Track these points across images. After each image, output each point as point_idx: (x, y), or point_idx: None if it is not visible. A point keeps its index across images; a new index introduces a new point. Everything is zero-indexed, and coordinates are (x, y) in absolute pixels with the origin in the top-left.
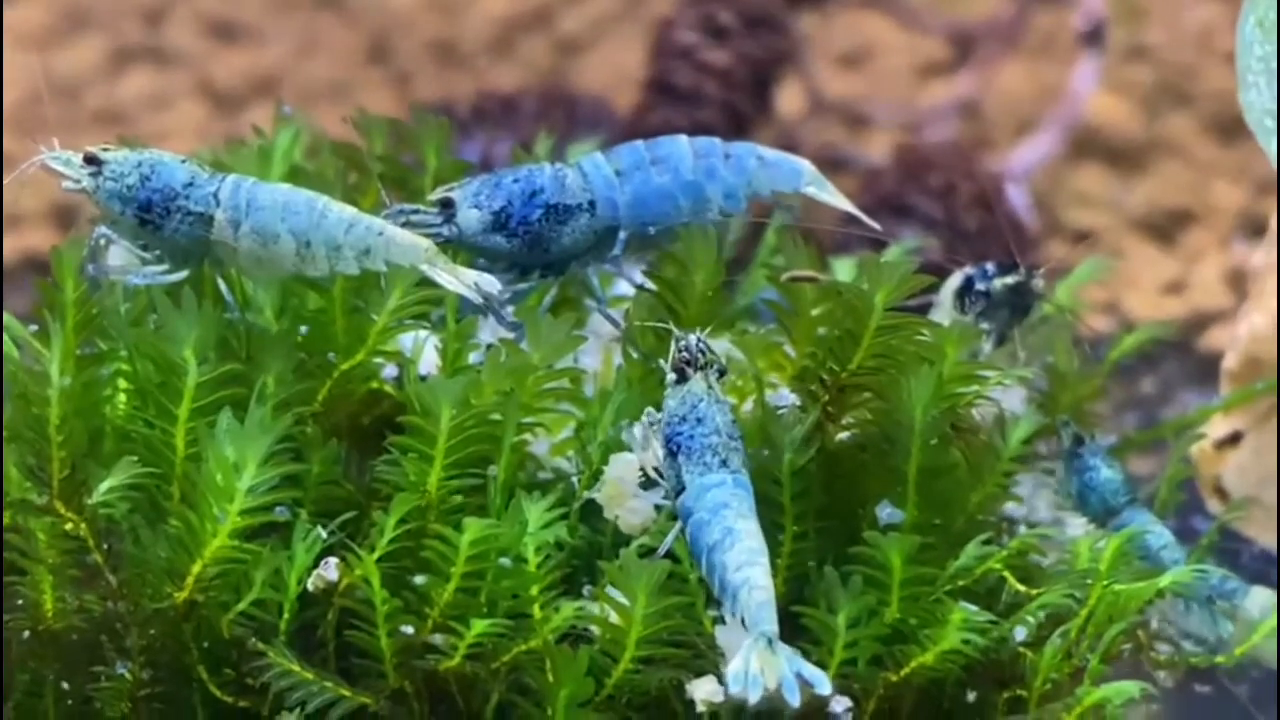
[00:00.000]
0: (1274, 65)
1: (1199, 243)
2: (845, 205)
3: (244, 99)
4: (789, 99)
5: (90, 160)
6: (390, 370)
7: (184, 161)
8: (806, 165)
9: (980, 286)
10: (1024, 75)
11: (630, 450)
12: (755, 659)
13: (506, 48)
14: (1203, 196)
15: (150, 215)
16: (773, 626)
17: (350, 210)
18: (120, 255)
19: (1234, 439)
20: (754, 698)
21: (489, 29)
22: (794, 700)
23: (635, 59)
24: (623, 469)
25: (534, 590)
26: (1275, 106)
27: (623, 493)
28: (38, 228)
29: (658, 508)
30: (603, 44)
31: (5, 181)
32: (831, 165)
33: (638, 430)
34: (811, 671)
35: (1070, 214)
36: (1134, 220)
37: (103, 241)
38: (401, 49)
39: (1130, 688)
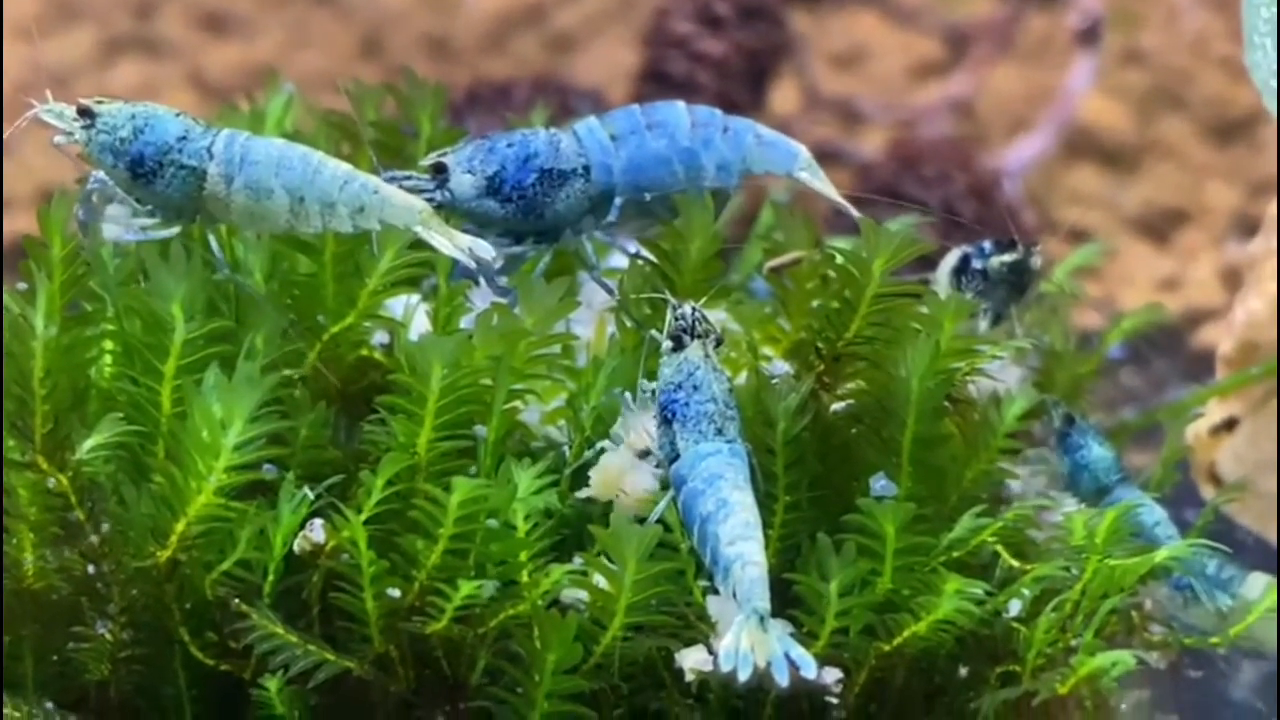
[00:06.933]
0: None
1: (1193, 241)
2: (834, 196)
3: (234, 91)
4: (783, 97)
5: (83, 113)
6: (380, 337)
7: (178, 115)
8: (802, 150)
9: (977, 265)
10: (1018, 76)
11: (622, 414)
12: (746, 637)
13: (499, 43)
14: (1196, 197)
15: (143, 169)
16: (765, 604)
17: (345, 167)
18: (114, 213)
19: (1229, 425)
20: (744, 676)
21: (482, 24)
22: (782, 680)
23: (628, 57)
24: (615, 457)
25: (523, 556)
26: None
27: (616, 481)
28: (28, 212)
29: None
30: (596, 41)
31: (6, 133)
32: (825, 158)
33: (631, 396)
34: (800, 654)
35: (1065, 213)
36: (1128, 219)
37: (94, 198)
38: (393, 44)
39: (1126, 657)
